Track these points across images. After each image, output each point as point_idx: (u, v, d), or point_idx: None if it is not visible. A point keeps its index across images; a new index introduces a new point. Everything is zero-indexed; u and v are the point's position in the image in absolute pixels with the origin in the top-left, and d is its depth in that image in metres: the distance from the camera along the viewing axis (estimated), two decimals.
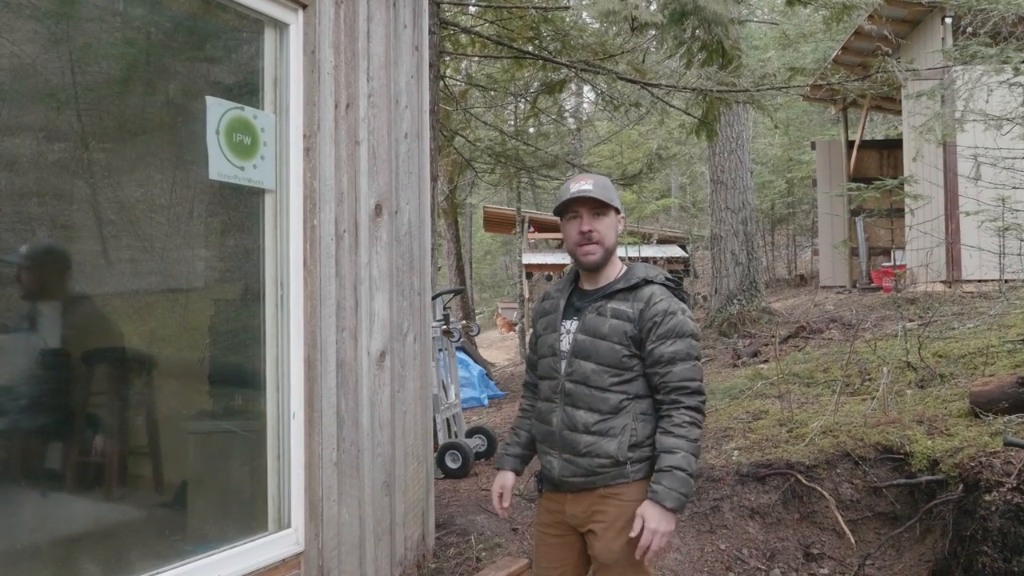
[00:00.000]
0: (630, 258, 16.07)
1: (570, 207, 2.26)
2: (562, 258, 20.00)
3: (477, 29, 8.08)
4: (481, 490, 4.89)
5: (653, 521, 2.07)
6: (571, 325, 2.29)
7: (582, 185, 2.24)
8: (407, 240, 3.50)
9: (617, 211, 2.29)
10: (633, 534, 2.09)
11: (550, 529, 2.37)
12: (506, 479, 2.45)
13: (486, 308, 29.52)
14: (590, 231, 2.23)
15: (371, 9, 3.24)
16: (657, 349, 2.16)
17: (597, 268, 2.29)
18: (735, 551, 3.83)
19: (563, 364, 2.27)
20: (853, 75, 8.41)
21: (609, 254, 2.28)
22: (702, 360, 2.26)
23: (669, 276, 2.32)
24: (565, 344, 2.28)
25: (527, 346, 2.64)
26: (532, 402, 2.49)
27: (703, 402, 2.18)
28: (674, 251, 20.62)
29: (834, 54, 12.54)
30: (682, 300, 2.27)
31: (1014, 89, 5.96)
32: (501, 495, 2.45)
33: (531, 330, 2.57)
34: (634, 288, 2.24)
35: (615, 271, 2.32)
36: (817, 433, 4.38)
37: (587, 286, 2.34)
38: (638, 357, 2.20)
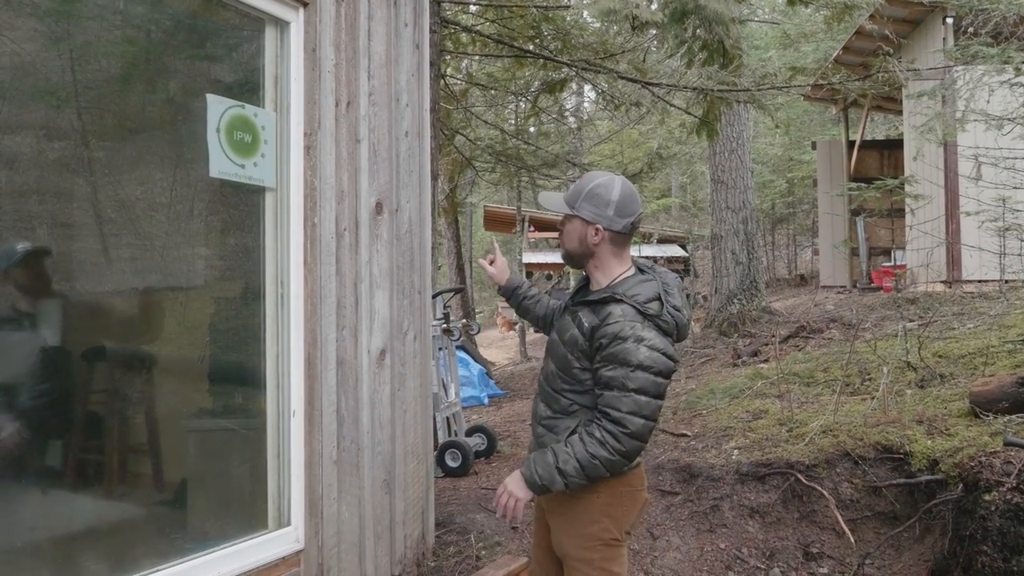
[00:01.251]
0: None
1: None
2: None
3: (478, 28, 8.08)
4: (481, 489, 4.90)
5: (509, 479, 2.23)
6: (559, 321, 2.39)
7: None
8: (407, 238, 3.50)
9: (585, 219, 2.21)
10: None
11: (537, 508, 2.48)
12: (504, 269, 2.67)
13: (486, 307, 29.51)
14: (559, 233, 2.34)
15: (372, 7, 3.24)
16: (599, 371, 2.11)
17: (571, 265, 2.39)
18: (735, 550, 3.83)
19: (544, 356, 2.41)
20: (854, 75, 8.40)
21: (573, 258, 2.30)
22: (650, 374, 2.07)
23: (647, 299, 2.15)
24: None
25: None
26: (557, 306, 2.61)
27: (625, 434, 2.04)
28: (674, 250, 20.62)
29: (835, 54, 12.53)
30: (658, 327, 2.11)
31: (1015, 89, 5.95)
32: (492, 261, 2.67)
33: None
34: (602, 302, 2.17)
35: (607, 279, 2.25)
36: (817, 433, 4.39)
37: (590, 286, 2.33)
38: (591, 371, 2.16)
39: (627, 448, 2.06)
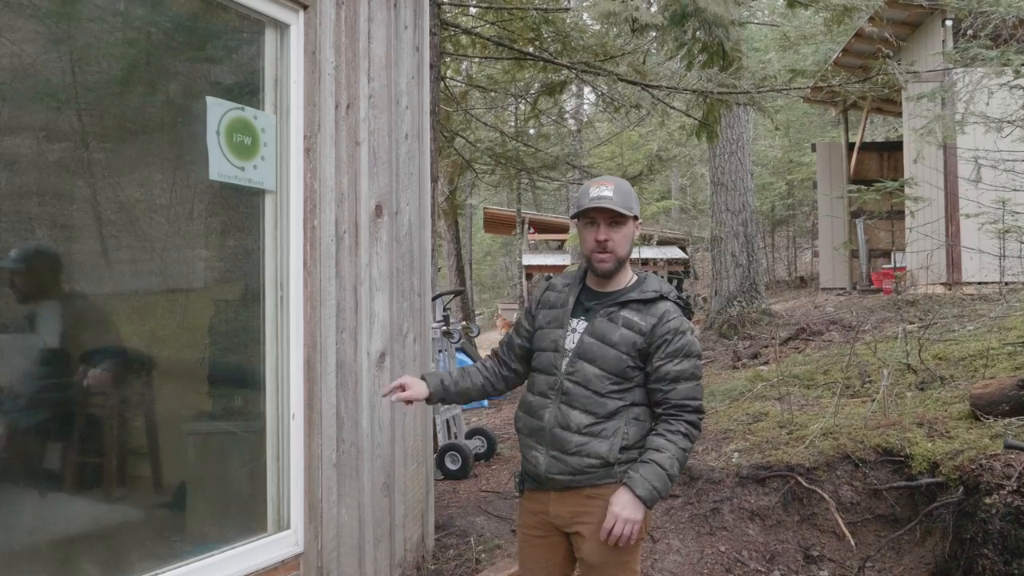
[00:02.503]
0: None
1: (588, 212, 2.23)
2: (562, 259, 20.01)
3: (478, 30, 8.08)
4: (481, 491, 4.89)
5: (618, 505, 2.11)
6: (578, 324, 2.28)
7: (602, 191, 2.21)
8: (407, 241, 3.49)
9: (636, 218, 2.27)
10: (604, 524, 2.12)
11: (533, 530, 2.36)
12: (418, 384, 2.36)
13: (486, 309, 29.50)
14: (606, 240, 2.22)
15: (372, 10, 3.24)
16: (664, 366, 2.18)
17: (609, 275, 2.28)
18: (735, 553, 3.83)
19: (564, 362, 2.25)
20: (854, 77, 8.39)
21: (622, 263, 2.28)
22: (702, 361, 2.25)
23: (679, 294, 2.34)
24: (570, 343, 2.27)
25: (513, 326, 2.56)
26: (492, 360, 2.50)
27: (701, 419, 2.22)
28: (674, 253, 20.62)
29: (835, 56, 12.54)
30: (689, 319, 2.30)
31: (1015, 91, 5.95)
32: (402, 387, 2.33)
33: (523, 310, 2.53)
34: (649, 302, 2.24)
35: (626, 278, 2.32)
36: (817, 435, 4.38)
37: (597, 288, 2.33)
38: (640, 369, 2.22)
39: (701, 431, 2.24)
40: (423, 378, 2.41)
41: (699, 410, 2.22)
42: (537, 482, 2.31)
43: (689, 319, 2.30)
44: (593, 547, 2.20)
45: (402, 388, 2.34)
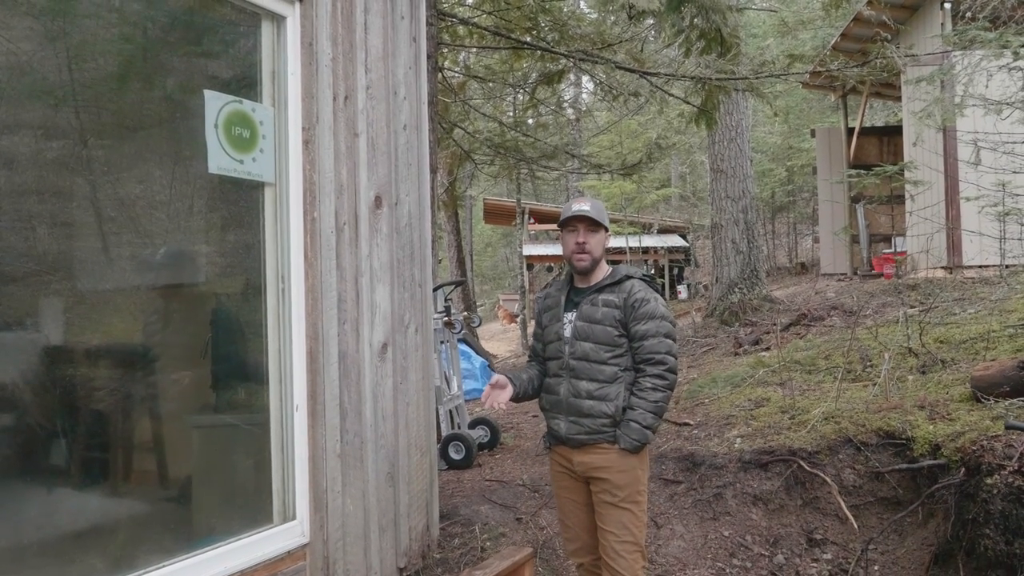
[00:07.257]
0: (630, 248, 16.09)
1: (571, 222, 2.81)
2: (562, 250, 19.94)
3: (475, 20, 8.05)
4: (485, 481, 4.91)
5: (618, 461, 2.74)
6: (571, 316, 2.84)
7: (582, 206, 2.82)
8: (407, 232, 3.50)
9: (606, 229, 2.87)
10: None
11: (562, 479, 2.93)
12: (508, 382, 2.86)
13: (487, 300, 29.54)
14: (584, 243, 2.80)
15: (368, 0, 3.23)
16: (635, 328, 2.74)
17: (587, 272, 2.84)
18: (738, 537, 3.85)
19: (567, 347, 2.82)
20: (852, 61, 8.37)
21: (596, 262, 2.85)
22: (677, 339, 2.87)
23: (645, 273, 2.93)
24: (568, 331, 2.83)
25: (532, 335, 3.12)
26: (535, 363, 3.03)
27: (667, 370, 2.72)
28: (675, 240, 20.60)
29: (833, 41, 12.49)
30: (655, 290, 2.86)
31: (1013, 73, 5.94)
32: (498, 386, 2.84)
33: (534, 318, 3.11)
34: (619, 283, 2.82)
35: (602, 273, 2.88)
36: (819, 420, 4.40)
37: (581, 285, 2.89)
38: (625, 336, 2.76)
39: (670, 381, 2.74)
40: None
41: (662, 362, 2.71)
42: (560, 442, 2.86)
43: (656, 291, 2.85)
44: (611, 481, 2.72)
45: (497, 386, 2.85)
